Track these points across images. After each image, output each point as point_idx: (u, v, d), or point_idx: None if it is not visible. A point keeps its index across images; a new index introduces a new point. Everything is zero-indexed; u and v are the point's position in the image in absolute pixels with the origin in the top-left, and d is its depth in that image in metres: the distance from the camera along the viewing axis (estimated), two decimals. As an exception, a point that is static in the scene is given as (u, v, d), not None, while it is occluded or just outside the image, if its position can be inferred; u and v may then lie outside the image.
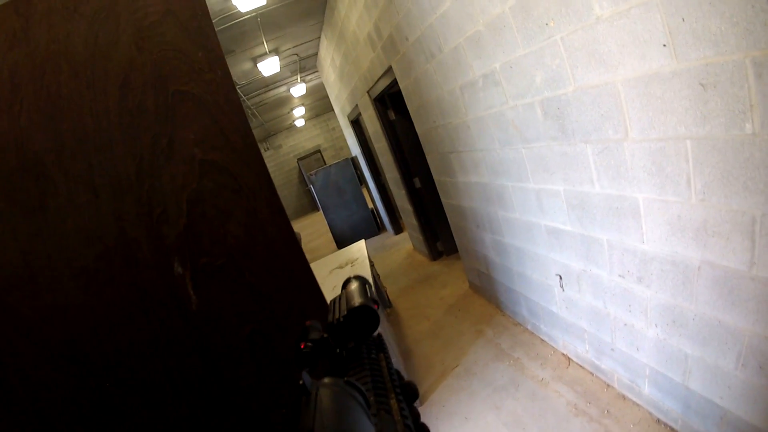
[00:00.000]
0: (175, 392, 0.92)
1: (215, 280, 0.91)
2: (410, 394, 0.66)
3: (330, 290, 3.50)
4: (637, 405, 2.19)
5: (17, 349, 0.90)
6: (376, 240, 8.18)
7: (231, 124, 0.91)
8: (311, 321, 0.79)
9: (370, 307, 0.79)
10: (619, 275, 1.96)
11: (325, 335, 0.76)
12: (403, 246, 6.92)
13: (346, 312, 0.78)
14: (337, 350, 0.76)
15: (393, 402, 0.59)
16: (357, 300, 0.81)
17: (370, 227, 8.52)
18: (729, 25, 1.13)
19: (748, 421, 1.54)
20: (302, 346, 0.72)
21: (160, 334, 0.91)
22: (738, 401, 1.57)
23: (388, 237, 7.98)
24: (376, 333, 0.81)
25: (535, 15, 1.78)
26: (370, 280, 3.23)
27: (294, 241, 0.92)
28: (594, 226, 2.00)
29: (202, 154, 0.90)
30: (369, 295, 0.83)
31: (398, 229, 7.75)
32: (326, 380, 0.49)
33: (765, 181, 1.20)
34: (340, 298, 0.85)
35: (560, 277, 2.48)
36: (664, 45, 1.32)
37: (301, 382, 0.46)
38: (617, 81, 1.55)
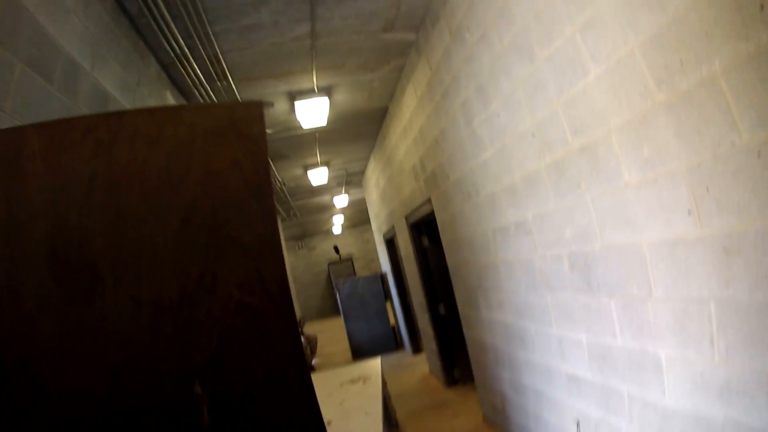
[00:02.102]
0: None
1: (230, 407, 0.95)
2: None
3: (337, 404, 3.43)
4: None
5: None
6: (393, 357, 8.00)
7: (271, 274, 0.99)
8: None
9: None
10: (639, 428, 1.94)
11: None
12: (419, 368, 6.74)
13: None
14: None
15: None
16: None
17: (388, 343, 8.38)
18: (751, 194, 1.18)
19: None
20: None
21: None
22: None
23: (406, 356, 7.81)
24: None
25: (567, 175, 1.96)
26: (380, 401, 3.18)
27: (309, 385, 0.98)
28: (615, 377, 2.01)
29: (239, 295, 0.96)
30: None
31: (417, 349, 7.60)
32: None
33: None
34: None
35: (578, 423, 2.44)
36: (689, 212, 1.39)
37: None
38: (643, 243, 1.63)
